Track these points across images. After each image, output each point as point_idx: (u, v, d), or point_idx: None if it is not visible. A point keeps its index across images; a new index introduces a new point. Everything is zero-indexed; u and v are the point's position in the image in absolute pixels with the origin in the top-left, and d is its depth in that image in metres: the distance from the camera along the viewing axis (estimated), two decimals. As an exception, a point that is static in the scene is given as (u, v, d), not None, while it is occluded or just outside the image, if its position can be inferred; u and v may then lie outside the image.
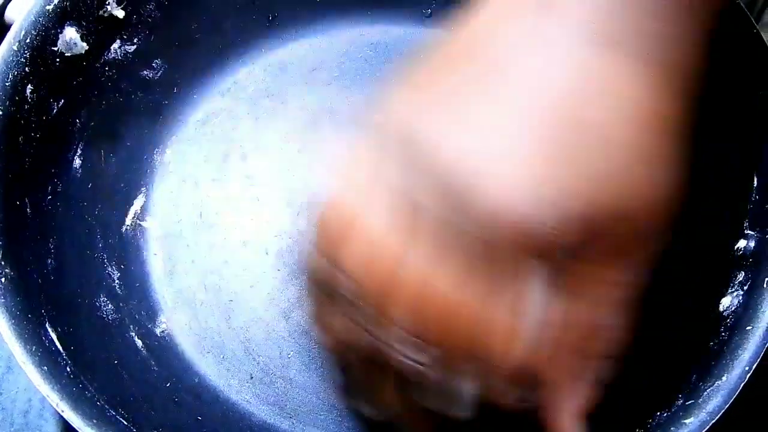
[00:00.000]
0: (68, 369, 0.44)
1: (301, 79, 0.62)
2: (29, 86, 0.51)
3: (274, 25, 0.62)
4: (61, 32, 0.53)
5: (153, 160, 0.59)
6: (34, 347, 0.43)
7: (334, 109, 0.60)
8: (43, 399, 0.55)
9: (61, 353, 0.45)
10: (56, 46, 0.53)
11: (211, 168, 0.59)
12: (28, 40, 0.51)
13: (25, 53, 0.50)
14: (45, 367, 0.43)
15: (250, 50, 0.62)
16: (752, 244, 0.47)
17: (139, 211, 0.57)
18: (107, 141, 0.56)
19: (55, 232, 0.51)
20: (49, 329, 0.46)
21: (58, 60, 0.53)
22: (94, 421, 0.41)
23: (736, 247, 0.48)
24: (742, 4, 0.49)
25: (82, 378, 0.45)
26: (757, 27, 0.49)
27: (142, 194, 0.58)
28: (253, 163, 0.58)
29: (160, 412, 0.49)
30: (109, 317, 0.52)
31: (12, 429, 0.54)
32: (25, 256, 0.48)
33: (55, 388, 0.42)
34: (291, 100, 0.61)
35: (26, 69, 0.50)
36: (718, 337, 0.45)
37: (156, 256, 0.56)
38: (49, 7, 0.52)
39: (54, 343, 0.45)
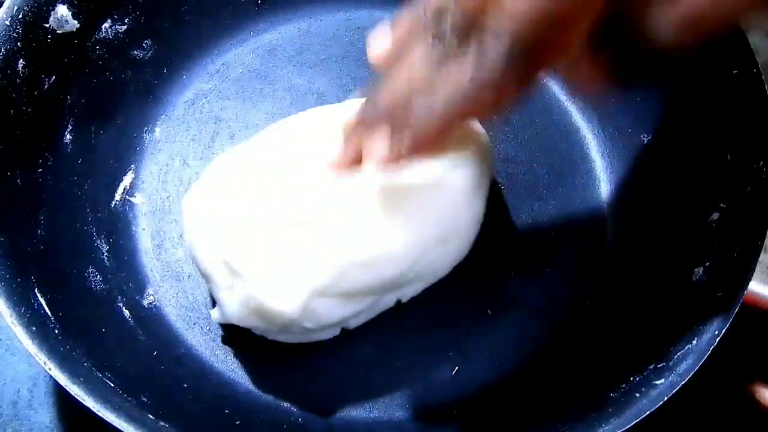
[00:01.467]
0: (56, 332, 0.45)
1: (288, 61, 0.63)
2: (21, 61, 0.52)
3: (263, 8, 0.64)
4: (54, 9, 0.54)
5: (142, 138, 0.60)
6: (23, 309, 0.44)
7: (321, 90, 0.62)
8: (31, 389, 0.55)
9: (49, 317, 0.46)
10: (48, 22, 0.54)
11: (200, 146, 0.60)
12: (20, 16, 0.52)
13: (18, 28, 0.52)
14: (34, 328, 0.44)
15: (239, 32, 0.64)
16: (725, 216, 0.48)
17: (128, 187, 0.58)
18: (97, 118, 0.57)
19: (45, 204, 0.52)
20: (39, 295, 0.47)
21: (49, 37, 0.54)
22: (81, 379, 0.42)
23: (709, 219, 0.49)
24: None
25: (69, 341, 0.46)
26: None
27: (131, 171, 0.59)
28: (240, 143, 0.59)
29: (147, 379, 0.49)
30: (98, 288, 0.53)
31: (0, 420, 0.55)
32: (14, 224, 0.49)
33: (44, 347, 0.43)
34: (278, 81, 0.62)
35: (18, 44, 0.52)
36: (690, 306, 0.47)
37: (144, 231, 0.57)
38: (42, -17, 0.53)
39: (43, 307, 0.46)
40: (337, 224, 0.46)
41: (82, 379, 0.42)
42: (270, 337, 0.50)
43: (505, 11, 0.36)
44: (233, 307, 0.47)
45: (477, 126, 0.52)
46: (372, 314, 0.51)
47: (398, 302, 0.51)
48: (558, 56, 0.38)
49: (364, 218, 0.46)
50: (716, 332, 0.44)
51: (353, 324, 0.51)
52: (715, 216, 0.49)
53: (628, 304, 0.51)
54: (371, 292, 0.48)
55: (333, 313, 0.47)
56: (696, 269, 0.48)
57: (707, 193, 0.50)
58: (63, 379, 0.42)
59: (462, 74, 0.38)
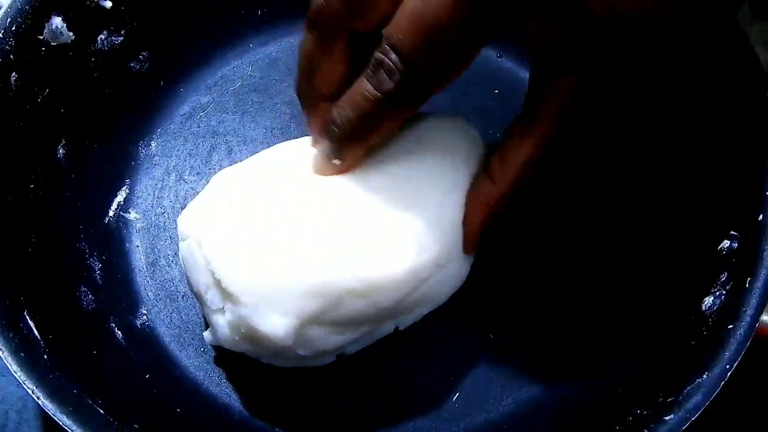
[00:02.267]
0: (45, 356, 0.44)
1: (288, 74, 0.62)
2: (14, 74, 0.50)
3: (263, 19, 0.62)
4: (48, 21, 0.52)
5: (138, 152, 0.59)
6: (11, 333, 0.43)
7: (321, 105, 0.60)
8: (20, 410, 0.54)
9: (38, 341, 0.45)
10: (42, 34, 0.52)
11: (196, 161, 0.59)
12: (13, 28, 0.51)
13: (11, 41, 0.50)
14: (22, 354, 0.42)
15: (239, 44, 0.62)
16: (735, 244, 0.47)
17: (122, 203, 0.57)
18: (92, 132, 0.56)
19: (36, 221, 0.51)
20: (28, 317, 0.45)
21: (44, 49, 0.52)
22: (70, 408, 0.41)
23: (719, 247, 0.48)
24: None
25: (59, 366, 0.44)
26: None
27: (125, 186, 0.57)
28: (239, 158, 0.58)
29: (139, 403, 0.48)
30: (90, 308, 0.51)
31: (-10, 444, 0.53)
32: (3, 243, 0.47)
33: (32, 375, 0.42)
34: (279, 95, 0.61)
35: (11, 56, 0.50)
36: (699, 336, 0.45)
37: (138, 248, 0.56)
38: (36, -6, 0.52)
39: (32, 330, 0.45)
40: (332, 252, 0.44)
41: (71, 408, 0.41)
42: (264, 361, 0.49)
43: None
44: (224, 331, 0.46)
45: (477, 143, 0.50)
46: (369, 341, 0.50)
47: (396, 329, 0.50)
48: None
49: (360, 245, 0.45)
50: (727, 366, 0.42)
51: (350, 350, 0.49)
52: (726, 244, 0.47)
53: (635, 333, 0.50)
54: (367, 320, 0.47)
55: (327, 340, 0.46)
56: (706, 298, 0.47)
57: (718, 219, 0.48)
58: (51, 408, 0.41)
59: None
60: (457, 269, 0.49)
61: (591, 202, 0.56)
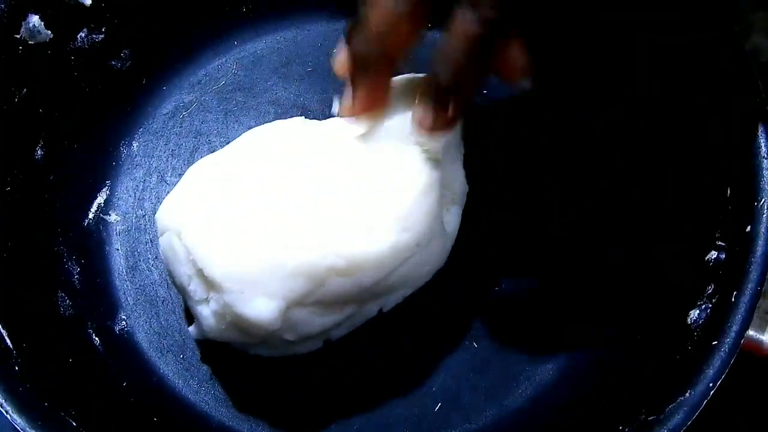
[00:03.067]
0: (17, 368, 0.43)
1: (273, 72, 0.60)
2: (-11, 74, 0.49)
3: (247, 16, 0.61)
4: (25, 20, 0.51)
5: (119, 152, 0.58)
6: (-19, 345, 0.42)
7: (306, 104, 0.59)
8: None
9: (11, 351, 0.44)
10: (19, 33, 0.51)
11: (179, 162, 0.58)
12: (-12, 28, 0.49)
13: (-15, 40, 0.49)
14: (-8, 367, 0.42)
15: (223, 42, 0.61)
16: (723, 255, 0.46)
17: (102, 204, 0.56)
18: (72, 132, 0.55)
19: (13, 225, 0.50)
20: (0, 326, 0.45)
21: (20, 48, 0.51)
22: (40, 423, 0.40)
23: (706, 258, 0.47)
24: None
25: (31, 377, 0.43)
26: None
27: (106, 187, 0.56)
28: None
29: (116, 412, 0.48)
30: (67, 313, 0.50)
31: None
32: (-22, 249, 0.47)
33: (1, 387, 0.41)
34: (263, 94, 0.60)
35: (-14, 57, 0.49)
36: (683, 351, 0.44)
37: (118, 251, 0.55)
38: (12, -7, 0.50)
39: (4, 339, 0.44)
40: (314, 232, 0.44)
41: (40, 423, 0.40)
42: (251, 351, 0.48)
43: None
44: (210, 321, 0.46)
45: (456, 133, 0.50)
46: (354, 324, 0.49)
47: (380, 311, 0.50)
48: None
49: (341, 225, 0.44)
50: (710, 384, 0.42)
51: (336, 335, 0.49)
52: (713, 255, 0.47)
53: (617, 346, 0.49)
54: (352, 299, 0.47)
55: (313, 323, 0.46)
56: (691, 311, 0.46)
57: (705, 229, 0.47)
58: (21, 423, 0.40)
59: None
60: (439, 249, 0.49)
61: (585, 205, 0.55)
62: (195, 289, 0.45)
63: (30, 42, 0.52)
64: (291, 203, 0.45)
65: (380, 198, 0.45)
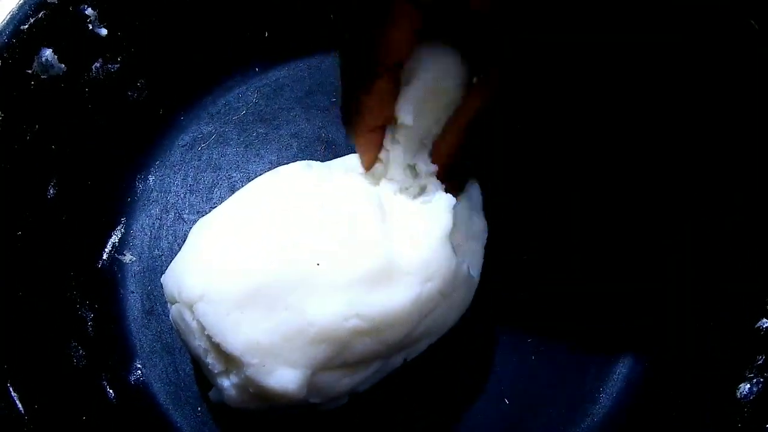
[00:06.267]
0: (28, 436, 0.41)
1: (296, 102, 0.58)
2: (0, 114, 0.47)
3: (269, 42, 0.58)
4: (38, 54, 0.49)
5: (135, 187, 0.55)
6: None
7: (330, 137, 0.57)
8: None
9: (22, 417, 0.42)
10: (31, 68, 0.49)
11: (196, 199, 0.55)
12: (-1, 64, 0.47)
13: (-5, 78, 0.47)
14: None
15: (243, 70, 0.58)
16: (776, 324, 0.44)
17: (117, 244, 0.53)
18: (86, 167, 0.53)
19: (23, 273, 0.47)
20: (11, 389, 0.42)
21: (32, 83, 0.49)
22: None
23: (757, 325, 0.44)
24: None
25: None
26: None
27: (121, 225, 0.54)
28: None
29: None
30: (80, 365, 0.48)
31: None
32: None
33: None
34: (284, 125, 0.57)
35: (-4, 96, 0.47)
36: (733, 429, 0.42)
37: (133, 294, 0.53)
38: (25, 27, 0.48)
39: (15, 405, 0.42)
40: (332, 294, 0.42)
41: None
42: (273, 415, 0.46)
43: None
44: (232, 392, 0.44)
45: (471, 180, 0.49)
46: (379, 377, 0.47)
47: (404, 360, 0.48)
48: None
49: (360, 282, 0.42)
50: (765, 473, 0.39)
51: (362, 388, 0.47)
52: (765, 323, 0.44)
53: (662, 418, 0.47)
54: (377, 357, 0.45)
55: (339, 384, 0.44)
56: (741, 384, 0.43)
57: (756, 295, 0.45)
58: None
59: None
60: (462, 296, 0.47)
61: (621, 251, 0.53)
62: (213, 362, 0.43)
63: (42, 76, 0.49)
64: (303, 265, 0.42)
65: (398, 248, 0.43)
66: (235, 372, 0.43)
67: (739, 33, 0.46)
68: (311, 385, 0.42)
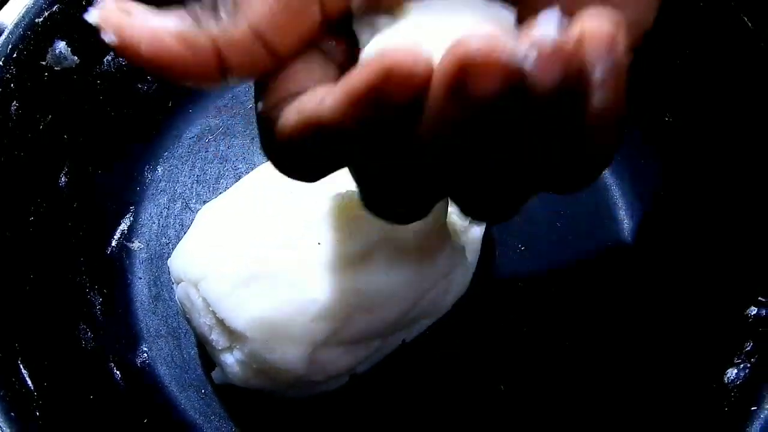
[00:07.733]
0: (37, 412, 0.42)
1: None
2: (14, 103, 0.48)
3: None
4: (51, 46, 0.50)
5: (143, 177, 0.57)
6: (3, 392, 0.41)
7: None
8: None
9: (32, 393, 0.43)
10: (45, 60, 0.50)
11: (203, 188, 0.57)
12: (14, 55, 0.48)
13: (11, 69, 0.48)
14: (13, 414, 0.41)
15: (251, 64, 0.60)
16: (764, 311, 0.45)
17: (126, 232, 0.55)
18: (97, 157, 0.54)
19: (35, 257, 0.49)
20: (22, 366, 0.44)
21: (46, 74, 0.50)
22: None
23: (746, 312, 0.45)
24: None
25: (52, 420, 0.43)
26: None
27: (129, 213, 0.56)
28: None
29: (136, 452, 0.47)
30: (89, 347, 0.50)
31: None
32: None
33: (21, 434, 0.40)
34: (291, 119, 0.58)
35: (12, 86, 0.48)
36: (719, 414, 0.43)
37: (141, 280, 0.54)
38: (39, 20, 0.49)
39: (25, 381, 0.43)
40: (334, 270, 0.43)
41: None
42: (276, 395, 0.47)
43: None
44: (235, 369, 0.45)
45: None
46: (380, 357, 0.49)
47: (403, 341, 0.49)
48: None
49: (361, 261, 0.44)
50: (748, 454, 0.40)
51: (361, 369, 0.49)
52: (753, 311, 0.45)
53: (648, 403, 0.48)
54: (376, 335, 0.46)
55: (340, 361, 0.46)
56: (728, 369, 0.44)
57: (745, 282, 0.46)
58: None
59: None
60: (460, 278, 0.48)
61: (618, 245, 0.54)
62: (217, 338, 0.45)
63: (56, 68, 0.51)
64: (306, 244, 0.44)
65: (397, 229, 0.44)
66: (238, 347, 0.44)
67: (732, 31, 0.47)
68: (313, 362, 0.44)
